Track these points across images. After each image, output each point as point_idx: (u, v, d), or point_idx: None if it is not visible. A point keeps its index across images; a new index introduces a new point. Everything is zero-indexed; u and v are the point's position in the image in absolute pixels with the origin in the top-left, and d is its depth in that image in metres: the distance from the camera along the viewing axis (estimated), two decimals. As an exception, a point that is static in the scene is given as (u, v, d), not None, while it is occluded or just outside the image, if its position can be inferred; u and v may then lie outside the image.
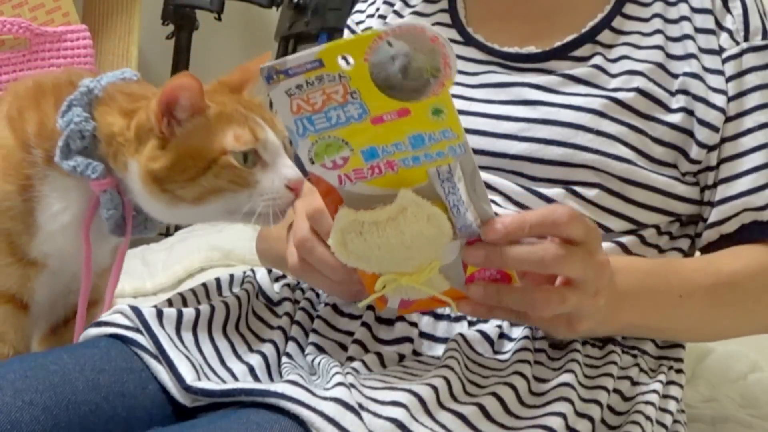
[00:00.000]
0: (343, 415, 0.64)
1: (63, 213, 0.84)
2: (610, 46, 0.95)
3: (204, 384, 0.70)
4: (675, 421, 0.86)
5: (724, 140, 0.92)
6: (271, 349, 0.82)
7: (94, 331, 0.78)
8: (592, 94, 0.91)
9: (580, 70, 0.93)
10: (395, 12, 1.11)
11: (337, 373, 0.70)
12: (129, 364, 0.74)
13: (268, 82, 0.67)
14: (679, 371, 0.90)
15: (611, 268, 0.76)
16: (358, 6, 1.17)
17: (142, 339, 0.75)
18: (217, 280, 0.92)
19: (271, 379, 0.80)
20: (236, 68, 0.87)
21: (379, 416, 0.65)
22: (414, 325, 0.85)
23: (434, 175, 0.70)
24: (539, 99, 0.92)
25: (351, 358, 0.79)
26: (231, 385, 0.70)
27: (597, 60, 0.94)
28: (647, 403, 0.81)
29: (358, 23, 1.15)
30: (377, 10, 1.12)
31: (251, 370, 0.78)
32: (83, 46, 1.96)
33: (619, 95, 0.90)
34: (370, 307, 0.86)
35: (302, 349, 0.84)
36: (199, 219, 0.87)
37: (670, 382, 0.88)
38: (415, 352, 0.82)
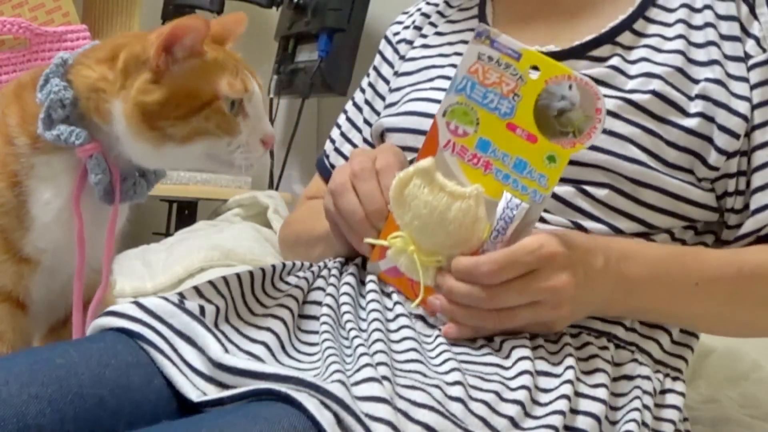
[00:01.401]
0: (378, 427, 0.64)
1: (55, 198, 0.83)
2: (629, 48, 0.95)
3: (244, 363, 0.70)
4: (677, 431, 0.85)
5: (755, 148, 0.91)
6: (294, 303, 0.84)
7: (103, 321, 0.77)
8: (607, 95, 0.91)
9: (596, 71, 0.93)
10: (431, 23, 1.14)
11: (367, 365, 0.70)
12: (135, 358, 0.73)
13: (476, 37, 0.78)
14: (675, 379, 0.90)
15: (574, 285, 0.80)
16: (399, 18, 1.22)
17: (149, 333, 0.75)
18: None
19: (294, 341, 0.80)
20: (213, 23, 0.87)
21: (411, 419, 0.66)
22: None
23: (505, 199, 0.79)
24: None
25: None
26: (275, 369, 0.69)
27: (615, 61, 0.94)
28: (645, 407, 0.80)
29: (395, 34, 1.19)
30: (413, 21, 1.16)
31: (276, 333, 0.79)
32: (83, 46, 1.95)
33: (634, 97, 0.90)
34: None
35: (336, 300, 0.85)
36: (181, 162, 0.88)
37: (667, 390, 0.87)
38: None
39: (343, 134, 1.20)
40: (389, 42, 1.19)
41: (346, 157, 1.17)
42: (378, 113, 1.15)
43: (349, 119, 1.21)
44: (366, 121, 1.17)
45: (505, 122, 0.78)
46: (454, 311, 0.82)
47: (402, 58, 1.15)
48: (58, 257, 0.86)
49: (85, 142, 0.81)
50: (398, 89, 1.10)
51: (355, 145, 1.17)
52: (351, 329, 0.78)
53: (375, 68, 1.20)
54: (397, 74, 1.13)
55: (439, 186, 0.80)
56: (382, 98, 1.15)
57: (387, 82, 1.16)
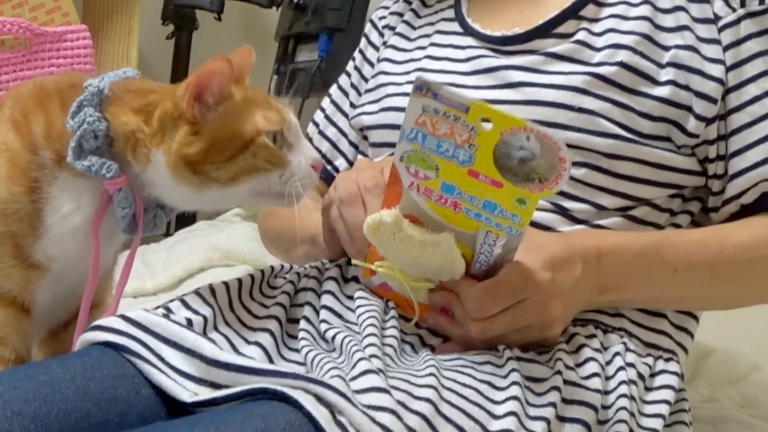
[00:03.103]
0: (382, 416, 0.64)
1: (74, 214, 0.84)
2: (594, 20, 0.94)
3: (242, 360, 0.70)
4: (678, 421, 0.85)
5: (730, 111, 0.90)
6: (281, 311, 0.84)
7: (89, 335, 0.77)
8: (574, 71, 0.91)
9: (562, 47, 0.93)
10: (412, 10, 1.14)
11: (361, 359, 0.70)
12: (121, 370, 0.73)
13: (417, 90, 0.73)
14: (669, 360, 0.89)
15: (561, 306, 0.81)
16: (385, 3, 1.21)
17: (133, 344, 0.74)
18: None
19: (282, 350, 0.80)
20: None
21: (409, 410, 0.66)
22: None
23: (482, 234, 0.78)
24: (522, 80, 0.93)
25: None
26: (272, 366, 0.70)
27: (581, 35, 0.94)
28: (630, 398, 0.80)
29: (380, 18, 1.19)
30: (397, 8, 1.16)
31: (263, 347, 0.79)
32: (83, 46, 1.95)
33: (602, 70, 0.90)
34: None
35: (316, 311, 0.85)
36: (225, 201, 0.88)
37: (659, 372, 0.87)
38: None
39: (327, 117, 1.19)
40: (375, 26, 1.19)
41: (329, 141, 1.17)
42: None
43: (333, 102, 1.20)
44: (353, 105, 1.16)
45: (465, 169, 0.75)
46: (448, 333, 0.83)
47: (385, 43, 1.15)
48: (67, 265, 0.86)
49: (115, 176, 0.82)
50: (377, 75, 1.10)
51: (340, 129, 1.17)
52: (341, 337, 0.78)
53: (361, 51, 1.19)
54: (379, 59, 1.13)
55: (408, 236, 0.78)
56: (368, 81, 1.15)
57: (372, 65, 1.15)
